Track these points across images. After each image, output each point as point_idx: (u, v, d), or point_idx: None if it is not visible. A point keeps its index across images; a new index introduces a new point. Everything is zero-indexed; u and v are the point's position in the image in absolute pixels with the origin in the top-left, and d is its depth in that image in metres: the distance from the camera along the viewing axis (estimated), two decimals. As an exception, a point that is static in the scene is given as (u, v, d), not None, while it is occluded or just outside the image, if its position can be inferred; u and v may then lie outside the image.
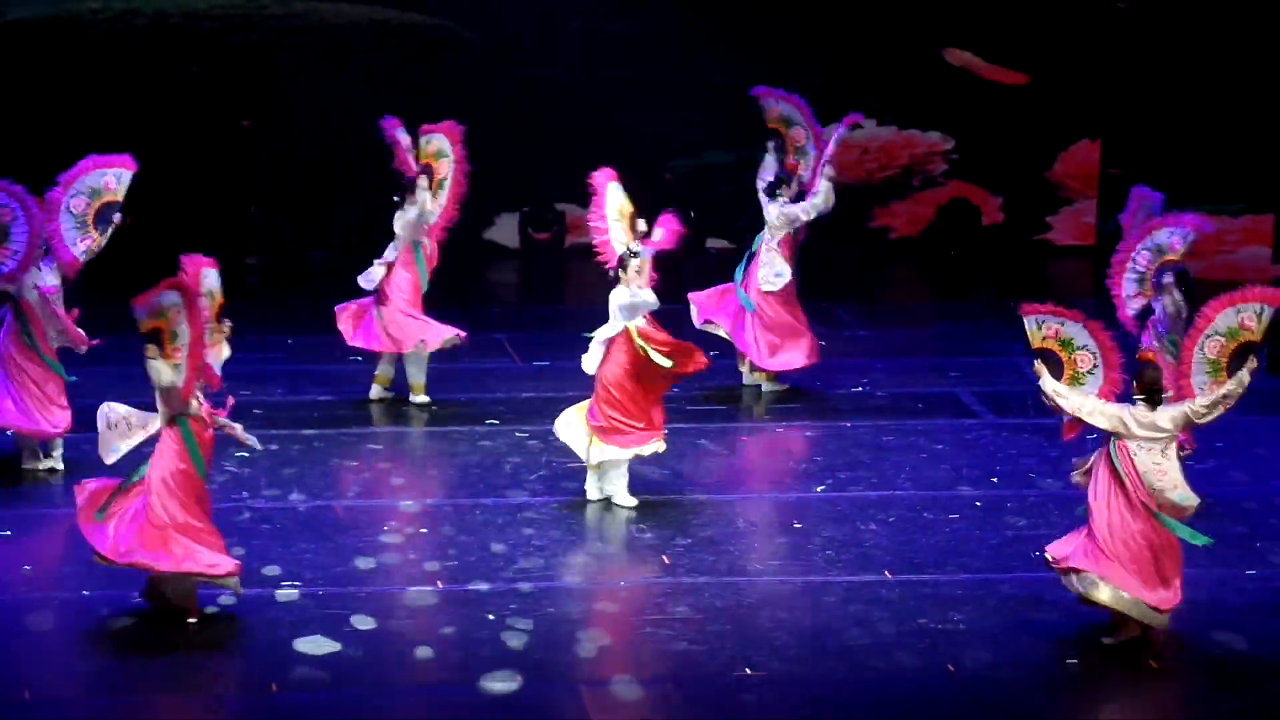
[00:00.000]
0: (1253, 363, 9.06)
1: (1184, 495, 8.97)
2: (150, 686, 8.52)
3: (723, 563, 10.05)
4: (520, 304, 14.70)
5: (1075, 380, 9.20)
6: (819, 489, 11.19)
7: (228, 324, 9.18)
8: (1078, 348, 9.19)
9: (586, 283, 15.47)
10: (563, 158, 15.74)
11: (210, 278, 9.08)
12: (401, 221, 12.35)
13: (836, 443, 12.04)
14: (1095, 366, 9.18)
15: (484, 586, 9.59)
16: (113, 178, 11.09)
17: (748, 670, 8.70)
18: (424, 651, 8.87)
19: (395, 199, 12.37)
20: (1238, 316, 9.10)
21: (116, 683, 8.58)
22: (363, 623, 9.10)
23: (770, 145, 12.96)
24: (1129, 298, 11.06)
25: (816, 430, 12.31)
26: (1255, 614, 9.47)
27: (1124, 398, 9.13)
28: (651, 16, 16.58)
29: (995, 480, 11.34)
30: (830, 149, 12.76)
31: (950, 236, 17.41)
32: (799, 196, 12.78)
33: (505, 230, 16.80)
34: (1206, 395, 9.03)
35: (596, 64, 16.38)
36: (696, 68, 16.32)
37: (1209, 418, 9.06)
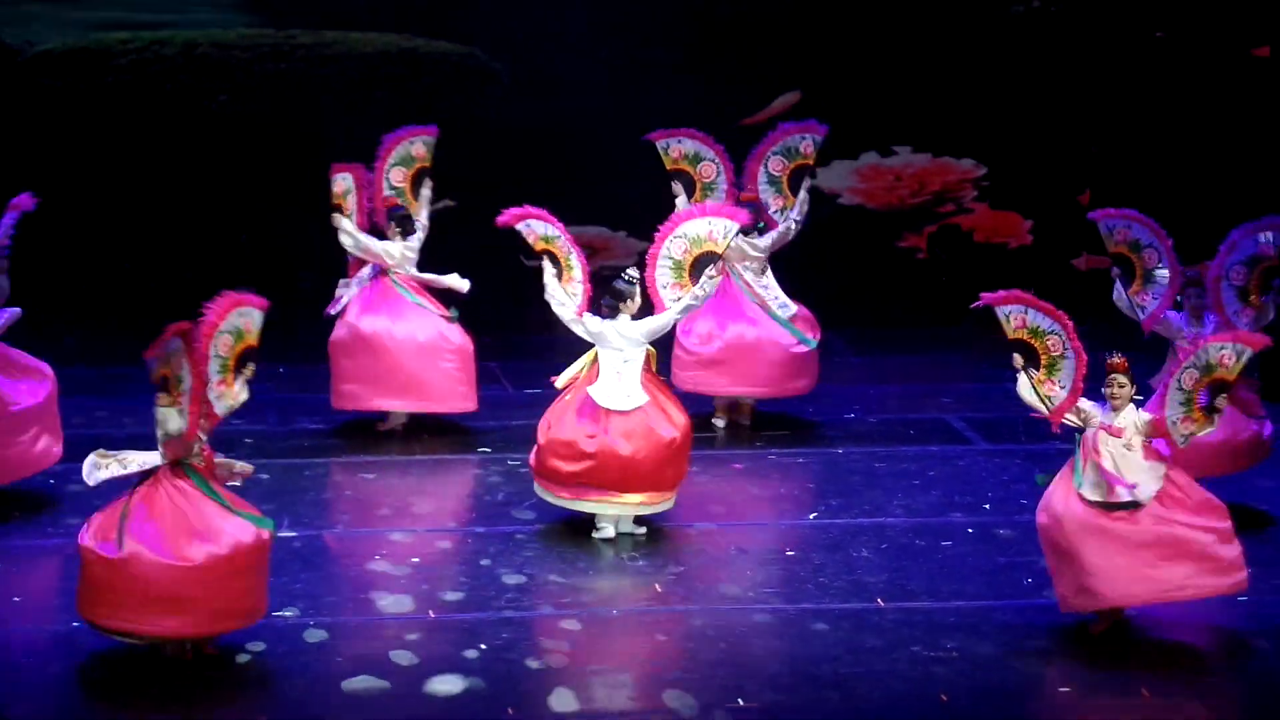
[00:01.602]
0: (1222, 402, 9.21)
1: (1143, 490, 9.15)
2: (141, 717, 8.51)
3: (715, 591, 10.04)
4: (512, 331, 14.68)
5: (1052, 366, 9.35)
6: (811, 516, 11.18)
7: (250, 367, 9.05)
8: (1046, 333, 9.36)
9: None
10: (584, 183, 15.77)
11: (254, 318, 8.99)
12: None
13: (828, 469, 12.04)
14: (1065, 349, 9.34)
15: (475, 615, 9.58)
16: (10, 218, 10.95)
17: (740, 701, 8.69)
18: (416, 681, 8.85)
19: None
20: (1219, 353, 9.18)
21: (106, 716, 8.56)
22: (353, 652, 9.09)
23: (678, 188, 12.72)
24: (1235, 314, 11.11)
25: (808, 457, 12.31)
26: (1248, 642, 9.46)
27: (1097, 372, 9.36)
28: (682, 45, 16.61)
29: (987, 507, 11.34)
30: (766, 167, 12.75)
31: (941, 263, 17.41)
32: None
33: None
34: (1180, 429, 9.21)
35: (625, 92, 16.43)
36: (725, 96, 16.36)
37: (1183, 445, 9.31)
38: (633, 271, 10.74)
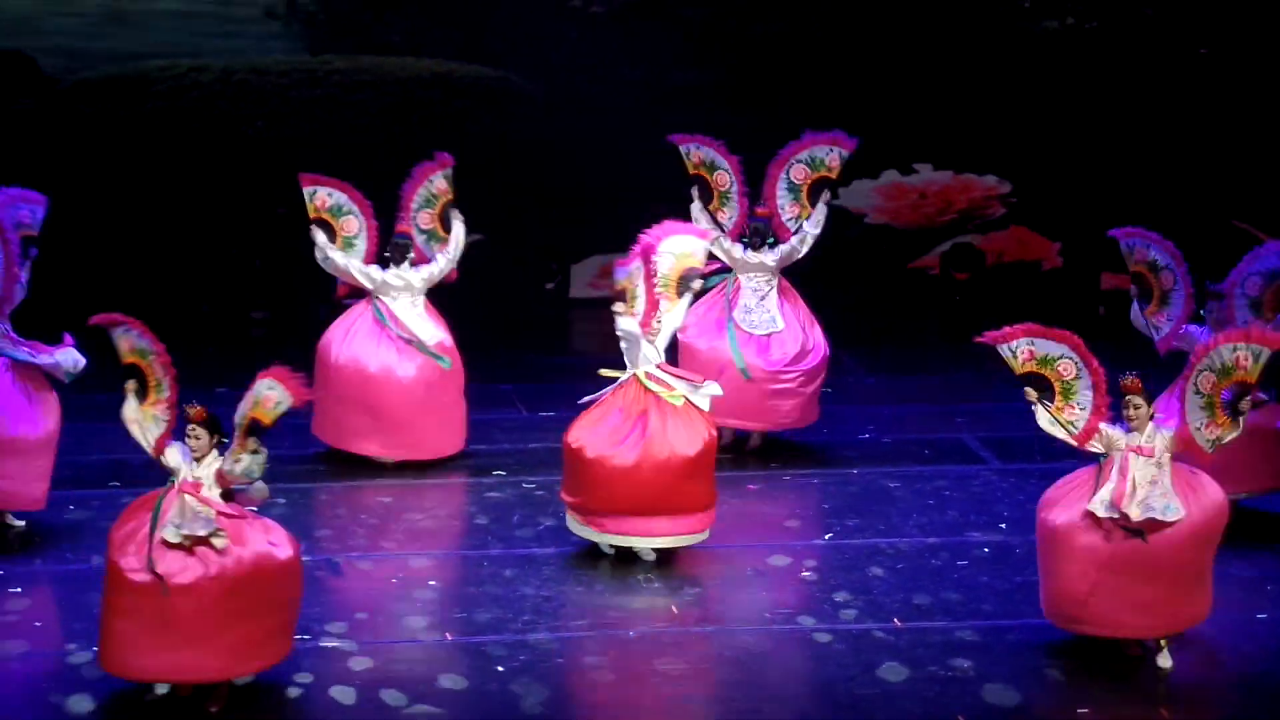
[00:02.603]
0: (1246, 405, 9.11)
1: (1170, 507, 9.08)
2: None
3: (731, 612, 10.05)
4: (526, 352, 14.70)
5: (1067, 391, 9.25)
6: (826, 536, 11.19)
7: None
8: (1055, 359, 9.25)
9: (591, 332, 15.53)
10: (615, 205, 15.81)
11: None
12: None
13: (843, 489, 12.04)
14: (1079, 371, 9.24)
15: (492, 638, 9.59)
16: (29, 212, 10.93)
17: (758, 721, 8.71)
18: (432, 705, 8.86)
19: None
20: (1234, 354, 9.11)
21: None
22: (368, 676, 9.10)
23: (694, 193, 12.77)
24: (1245, 324, 10.95)
25: (823, 477, 12.31)
26: (1267, 659, 9.45)
27: (1112, 390, 9.26)
28: (714, 67, 16.68)
29: (1003, 526, 11.33)
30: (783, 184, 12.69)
31: (954, 281, 17.42)
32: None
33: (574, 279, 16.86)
34: (1205, 435, 9.09)
35: (659, 115, 16.52)
36: (757, 116, 16.43)
37: (1212, 452, 9.19)
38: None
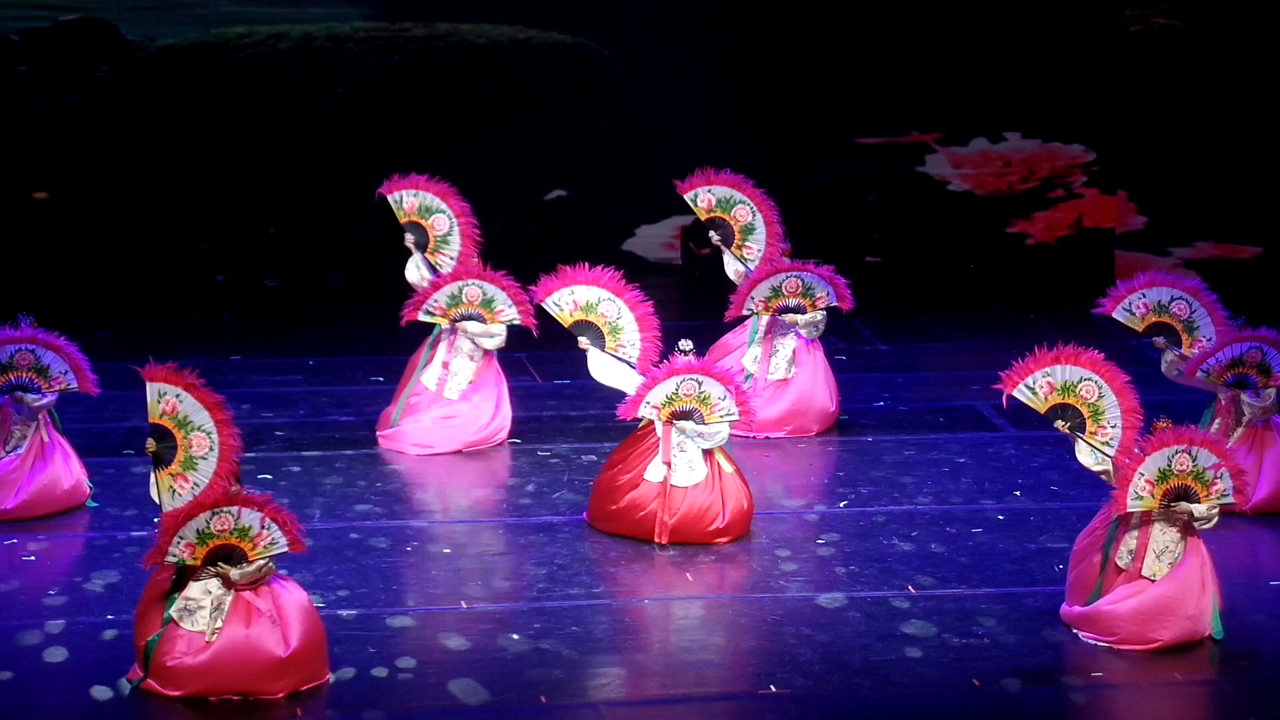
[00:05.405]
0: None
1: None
2: (175, 717, 8.53)
3: (746, 579, 10.06)
4: (541, 320, 14.68)
5: (1095, 413, 9.13)
6: (841, 504, 11.19)
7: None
8: (1076, 384, 9.14)
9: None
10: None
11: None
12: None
13: (858, 458, 12.04)
14: (1101, 392, 9.14)
15: (507, 605, 9.60)
16: None
17: (772, 688, 8.70)
18: (447, 672, 8.87)
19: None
20: (1175, 457, 8.95)
21: (142, 713, 8.58)
22: (386, 644, 9.12)
23: (715, 239, 12.56)
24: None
25: (837, 445, 12.31)
26: (1276, 625, 9.45)
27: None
28: (791, 31, 16.67)
29: (1018, 493, 11.33)
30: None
31: (970, 249, 17.40)
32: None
33: (644, 242, 16.84)
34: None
35: (735, 80, 16.53)
36: (835, 81, 16.45)
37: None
38: (685, 344, 10.72)
